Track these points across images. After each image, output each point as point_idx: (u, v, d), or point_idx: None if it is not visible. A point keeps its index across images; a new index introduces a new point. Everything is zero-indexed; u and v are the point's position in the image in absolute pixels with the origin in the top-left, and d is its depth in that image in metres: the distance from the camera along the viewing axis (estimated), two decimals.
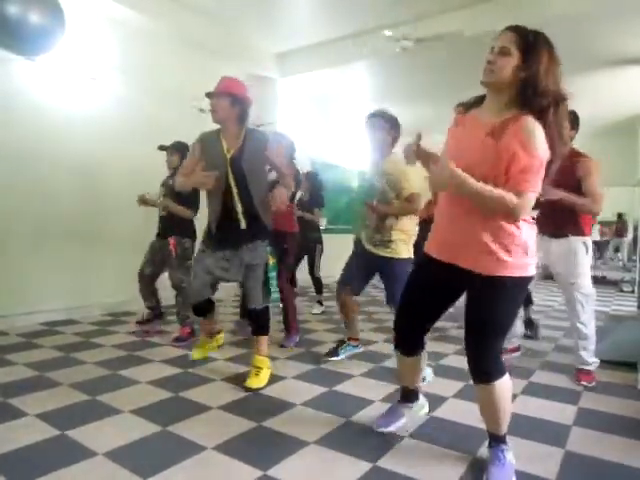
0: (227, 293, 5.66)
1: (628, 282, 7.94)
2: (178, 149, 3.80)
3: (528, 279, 1.73)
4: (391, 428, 2.13)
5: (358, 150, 7.99)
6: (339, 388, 2.75)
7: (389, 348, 3.55)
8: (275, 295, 2.86)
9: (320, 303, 5.29)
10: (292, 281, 5.31)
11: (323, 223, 5.56)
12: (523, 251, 1.67)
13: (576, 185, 2.82)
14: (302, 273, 5.47)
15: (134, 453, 1.93)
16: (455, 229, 1.74)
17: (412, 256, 3.00)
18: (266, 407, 2.44)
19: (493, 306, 1.70)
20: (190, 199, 3.65)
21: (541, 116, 1.55)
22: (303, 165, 7.00)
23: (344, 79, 6.72)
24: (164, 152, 3.89)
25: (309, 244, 5.12)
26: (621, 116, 8.74)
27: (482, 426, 2.15)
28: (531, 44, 1.55)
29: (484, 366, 1.75)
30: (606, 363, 3.28)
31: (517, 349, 3.41)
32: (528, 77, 1.55)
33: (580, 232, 2.92)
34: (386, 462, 1.90)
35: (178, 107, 5.18)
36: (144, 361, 3.20)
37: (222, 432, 2.12)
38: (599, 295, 7.03)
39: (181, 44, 5.39)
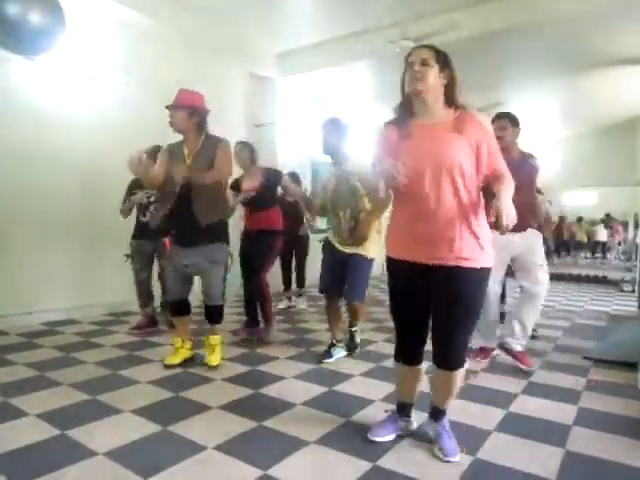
0: (227, 293, 5.65)
1: (628, 282, 7.93)
2: (155, 152, 3.83)
3: (490, 269, 1.88)
4: (384, 439, 2.07)
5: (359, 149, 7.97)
6: (339, 388, 2.75)
7: (389, 348, 3.54)
8: (224, 295, 3.12)
9: (298, 296, 5.45)
10: (290, 282, 5.35)
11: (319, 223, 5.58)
12: (489, 241, 1.84)
13: (531, 181, 3.19)
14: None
15: (134, 453, 1.94)
16: (427, 228, 1.80)
17: (380, 256, 3.18)
18: (266, 407, 2.44)
19: (468, 297, 1.82)
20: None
21: None
22: (303, 165, 7.03)
23: (344, 79, 6.72)
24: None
25: (300, 241, 5.24)
26: (620, 116, 8.75)
27: (482, 426, 2.16)
28: (444, 57, 1.84)
29: (454, 356, 1.88)
30: (607, 363, 3.28)
31: (491, 351, 3.33)
32: (452, 82, 1.84)
33: (535, 225, 3.25)
34: (386, 462, 1.90)
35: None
36: (144, 361, 3.21)
37: (222, 432, 2.12)
38: (600, 295, 7.07)
39: (182, 44, 5.39)
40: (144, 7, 4.69)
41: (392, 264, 1.97)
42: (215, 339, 3.11)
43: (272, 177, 3.80)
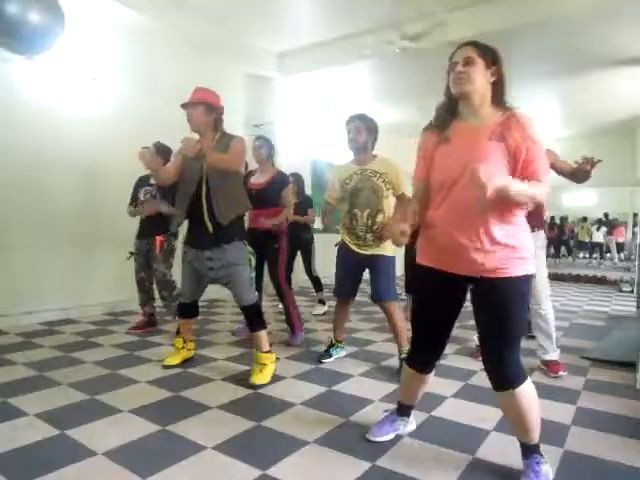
0: (228, 293, 5.65)
1: (627, 282, 7.94)
2: (161, 150, 3.89)
3: (532, 276, 1.76)
4: (382, 439, 2.06)
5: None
6: (338, 388, 2.75)
7: (388, 348, 3.55)
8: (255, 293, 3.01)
9: (322, 302, 5.27)
10: (316, 283, 5.32)
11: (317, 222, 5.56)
12: (528, 248, 1.72)
13: None
14: (299, 273, 5.48)
15: (133, 452, 1.94)
16: (459, 236, 1.69)
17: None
18: (266, 407, 2.44)
19: (510, 307, 1.69)
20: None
21: None
22: (303, 165, 7.04)
23: (344, 79, 6.72)
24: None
25: (303, 244, 5.12)
26: (620, 116, 8.75)
27: (482, 426, 2.16)
28: (492, 54, 1.74)
29: (509, 371, 1.71)
30: (605, 363, 3.29)
31: None
32: (497, 81, 1.73)
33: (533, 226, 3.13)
34: (385, 462, 1.90)
35: (179, 107, 5.16)
36: (144, 361, 3.21)
37: (222, 432, 2.12)
38: (599, 295, 7.08)
39: (182, 44, 5.39)
40: (144, 7, 4.69)
41: (422, 271, 1.86)
42: (265, 358, 2.85)
43: (280, 181, 3.74)
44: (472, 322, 4.23)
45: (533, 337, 3.94)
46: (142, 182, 4.05)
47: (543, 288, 3.05)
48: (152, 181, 3.94)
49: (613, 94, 7.40)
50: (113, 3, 4.44)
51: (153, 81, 5.12)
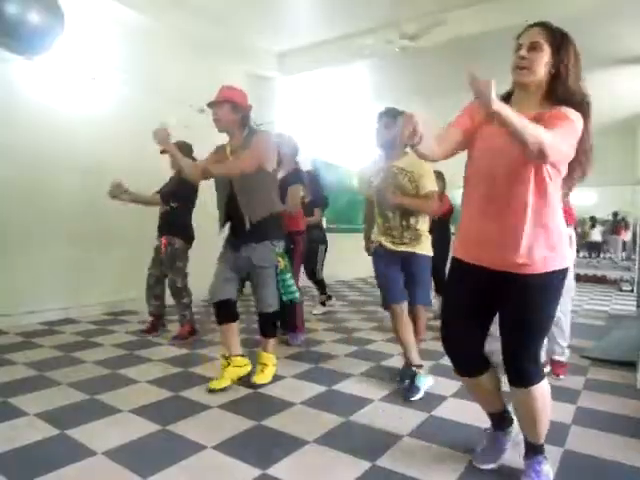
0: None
1: (627, 281, 7.94)
2: (180, 149, 3.78)
3: (567, 270, 1.67)
4: (496, 464, 1.86)
5: (359, 149, 7.98)
6: (338, 387, 2.75)
7: (388, 347, 3.55)
8: (294, 295, 2.86)
9: (323, 304, 5.24)
10: (321, 286, 5.25)
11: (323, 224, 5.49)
12: (563, 241, 1.62)
13: None
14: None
15: (134, 452, 1.94)
16: (493, 227, 1.61)
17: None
18: (266, 406, 2.44)
19: (538, 304, 1.61)
20: (183, 195, 3.67)
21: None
22: (303, 164, 7.03)
23: (344, 78, 6.72)
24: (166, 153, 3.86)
25: (312, 244, 5.04)
26: (621, 115, 8.74)
27: (482, 425, 2.15)
28: (560, 40, 1.55)
29: (526, 368, 1.65)
30: (605, 362, 3.29)
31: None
32: (559, 73, 1.54)
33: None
34: (385, 461, 1.90)
35: (179, 107, 5.17)
36: (144, 360, 3.21)
37: (222, 431, 2.12)
38: (599, 294, 7.07)
39: (181, 44, 5.39)
40: (144, 7, 4.69)
41: (455, 265, 1.78)
42: (267, 358, 2.81)
43: (289, 179, 3.70)
44: None
45: None
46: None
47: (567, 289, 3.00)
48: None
49: (614, 93, 7.39)
50: (113, 3, 4.44)
51: (153, 81, 5.12)
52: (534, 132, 1.36)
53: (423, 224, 2.85)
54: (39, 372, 2.90)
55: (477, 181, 1.67)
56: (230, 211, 2.73)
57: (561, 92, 1.55)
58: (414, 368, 2.71)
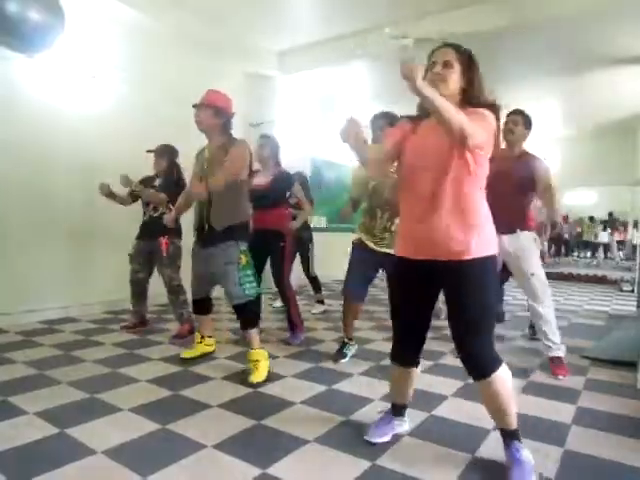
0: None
1: (628, 282, 7.94)
2: (165, 152, 3.90)
3: (495, 257, 1.81)
4: (381, 440, 2.05)
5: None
6: (338, 387, 2.75)
7: (388, 347, 3.54)
8: (252, 291, 2.93)
9: (321, 302, 5.26)
10: (315, 283, 5.26)
11: (322, 222, 5.51)
12: (487, 230, 1.77)
13: (527, 183, 3.10)
14: (298, 272, 5.46)
15: (133, 451, 1.93)
16: (426, 225, 1.76)
17: None
18: (265, 405, 2.44)
19: (477, 290, 1.74)
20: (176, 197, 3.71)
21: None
22: (303, 164, 7.03)
23: (345, 77, 6.72)
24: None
25: (302, 243, 5.07)
26: (621, 115, 8.74)
27: (482, 425, 2.16)
28: (467, 59, 1.78)
29: (481, 359, 1.76)
30: (606, 362, 3.29)
31: None
32: (469, 86, 1.76)
33: (527, 227, 3.15)
34: (385, 461, 1.90)
35: (179, 106, 5.16)
36: (143, 359, 3.21)
37: (221, 430, 2.12)
38: (600, 294, 7.08)
39: (182, 42, 5.39)
40: (144, 6, 4.69)
41: (396, 262, 1.95)
42: (257, 354, 2.87)
43: (283, 180, 3.73)
44: None
45: (537, 339, 3.94)
46: (146, 182, 3.95)
47: (542, 286, 3.06)
48: (157, 182, 3.90)
49: (614, 93, 7.40)
50: (113, 2, 4.44)
51: (153, 80, 5.12)
52: (457, 115, 1.54)
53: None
54: (39, 371, 2.90)
55: (408, 175, 1.83)
56: (200, 212, 2.94)
57: (474, 101, 1.76)
58: (346, 340, 3.32)
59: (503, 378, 1.76)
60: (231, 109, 2.95)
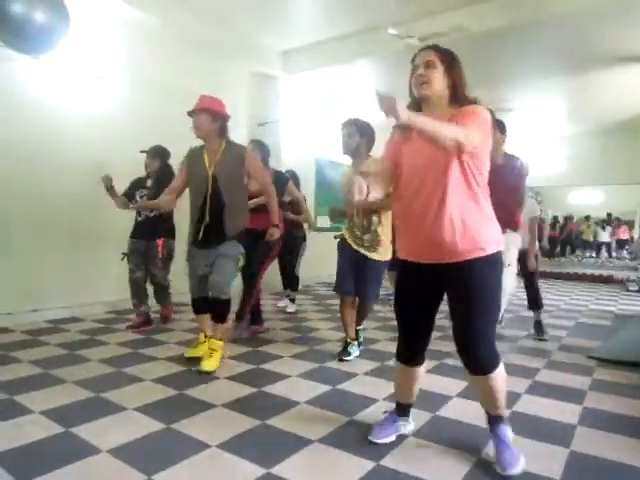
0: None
1: (634, 281, 7.89)
2: (158, 153, 4.00)
3: (500, 254, 1.82)
4: (385, 440, 2.05)
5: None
6: (343, 387, 2.75)
7: (392, 347, 3.53)
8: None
9: (292, 301, 5.17)
10: (294, 282, 5.25)
11: (327, 222, 5.46)
12: (491, 228, 1.79)
13: (513, 185, 3.33)
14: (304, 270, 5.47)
15: (138, 450, 1.94)
16: (428, 230, 1.77)
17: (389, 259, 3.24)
18: (270, 405, 2.44)
19: (477, 291, 1.75)
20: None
21: None
22: (307, 163, 7.03)
23: (348, 77, 6.71)
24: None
25: (294, 242, 5.06)
26: (626, 114, 8.69)
27: (486, 425, 2.14)
28: (450, 58, 1.80)
29: (482, 354, 1.78)
30: (612, 363, 3.27)
31: None
32: (455, 84, 1.79)
33: (516, 227, 3.46)
34: (389, 461, 1.89)
35: (183, 106, 5.16)
36: (148, 359, 3.21)
37: (226, 430, 2.13)
38: (605, 294, 7.04)
39: (186, 43, 5.39)
40: (148, 6, 4.69)
41: (401, 265, 1.97)
42: (215, 344, 3.03)
43: (277, 181, 3.75)
44: None
45: (545, 339, 3.93)
46: (137, 184, 4.10)
47: (510, 275, 3.38)
48: (148, 183, 3.99)
49: (620, 92, 7.35)
50: (118, 2, 4.44)
51: (157, 80, 5.13)
52: (448, 130, 1.56)
53: (385, 230, 3.15)
54: (44, 370, 2.91)
55: (408, 181, 1.83)
56: (202, 217, 2.97)
57: (460, 98, 1.79)
58: (348, 340, 3.33)
59: (501, 374, 1.82)
60: (225, 111, 3.02)
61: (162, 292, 4.19)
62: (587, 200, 16.75)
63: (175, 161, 3.84)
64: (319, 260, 5.23)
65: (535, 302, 4.09)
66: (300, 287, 5.44)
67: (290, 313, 4.99)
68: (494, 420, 1.90)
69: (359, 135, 3.15)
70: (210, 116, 2.92)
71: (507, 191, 3.16)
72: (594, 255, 16.40)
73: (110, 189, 3.88)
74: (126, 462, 1.83)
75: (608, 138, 9.86)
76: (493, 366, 1.79)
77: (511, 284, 3.55)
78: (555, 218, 16.51)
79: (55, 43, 3.72)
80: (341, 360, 3.23)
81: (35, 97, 4.24)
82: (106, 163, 4.65)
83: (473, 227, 1.73)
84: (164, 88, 5.15)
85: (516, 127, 8.63)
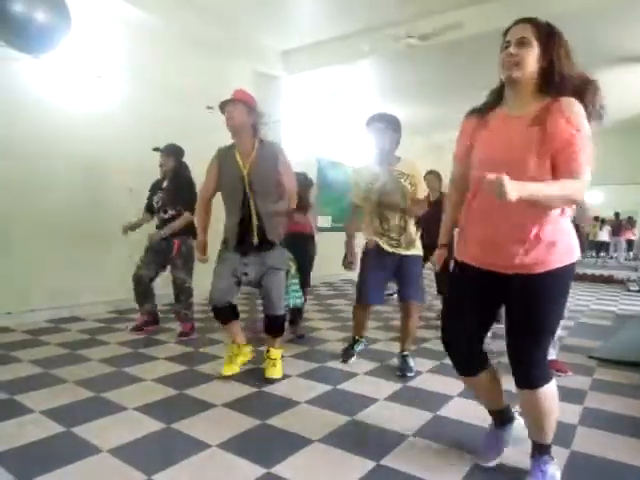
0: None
1: (635, 281, 7.88)
2: (172, 152, 3.80)
3: (574, 265, 1.63)
4: (496, 461, 1.88)
5: (363, 148, 7.97)
6: (343, 386, 2.75)
7: (393, 346, 3.54)
8: (298, 300, 2.99)
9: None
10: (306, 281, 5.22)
11: (328, 222, 5.46)
12: (566, 238, 1.60)
13: None
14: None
15: (139, 450, 1.94)
16: (493, 231, 1.62)
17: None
18: (270, 405, 2.44)
19: (542, 305, 1.60)
20: (188, 197, 3.66)
21: (579, 98, 1.52)
22: (309, 163, 7.03)
23: (350, 76, 6.70)
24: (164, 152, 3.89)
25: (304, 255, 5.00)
26: (626, 114, 8.67)
27: (487, 425, 2.14)
28: (547, 34, 1.55)
29: (533, 371, 1.64)
30: (612, 362, 3.26)
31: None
32: (551, 65, 1.53)
33: None
34: (390, 461, 1.89)
35: (184, 105, 5.18)
36: (149, 358, 3.21)
37: (226, 430, 2.13)
38: (606, 294, 7.03)
39: (187, 42, 5.39)
40: (150, 6, 4.69)
41: (458, 267, 1.80)
42: (276, 353, 2.88)
43: (302, 182, 3.71)
44: None
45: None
46: (155, 188, 3.91)
47: None
48: (164, 185, 3.83)
49: (623, 91, 7.33)
50: (119, 2, 4.44)
51: (158, 80, 5.13)
52: (562, 193, 1.44)
53: (412, 226, 3.05)
54: (45, 370, 2.91)
55: (479, 179, 1.63)
56: (242, 220, 2.74)
57: (558, 81, 1.53)
58: (357, 337, 3.30)
59: (549, 394, 1.66)
60: (259, 109, 2.83)
61: (184, 296, 3.81)
62: (588, 200, 16.73)
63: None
64: (319, 260, 5.21)
65: None
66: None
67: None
68: (537, 449, 1.73)
69: (392, 130, 2.95)
70: (246, 107, 2.70)
71: None
72: (594, 255, 16.35)
73: (132, 229, 3.86)
74: (126, 462, 1.83)
75: (608, 138, 9.81)
76: (541, 381, 1.64)
77: None
78: None
79: (56, 43, 3.72)
80: (345, 362, 3.17)
81: (36, 97, 4.25)
82: (107, 163, 4.67)
83: (543, 236, 1.56)
84: (165, 88, 5.15)
85: None
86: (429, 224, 3.37)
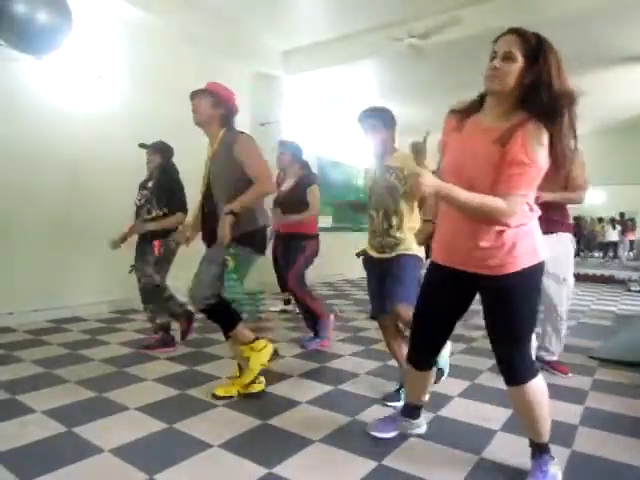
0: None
1: (636, 281, 7.88)
2: (159, 149, 3.63)
3: (542, 264, 1.67)
4: (383, 435, 2.06)
5: (364, 148, 7.98)
6: (344, 387, 2.75)
7: None
8: (234, 297, 2.58)
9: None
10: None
11: (328, 222, 5.47)
12: (529, 238, 1.64)
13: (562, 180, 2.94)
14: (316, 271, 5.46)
15: (140, 450, 1.94)
16: (456, 232, 1.69)
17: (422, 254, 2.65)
18: (271, 405, 2.44)
19: (513, 306, 1.66)
20: (179, 197, 3.54)
21: (553, 118, 1.49)
22: (310, 164, 7.02)
23: (350, 77, 6.71)
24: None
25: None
26: (627, 113, 8.68)
27: (488, 426, 2.15)
28: (536, 47, 1.51)
29: (517, 368, 1.69)
30: (613, 363, 3.26)
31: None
32: (537, 81, 1.50)
33: (568, 228, 3.00)
34: (391, 461, 1.89)
35: (184, 106, 5.16)
36: (151, 358, 3.22)
37: (228, 430, 2.13)
38: (606, 294, 7.03)
39: (187, 42, 5.40)
40: (150, 6, 4.69)
41: (431, 266, 1.87)
42: (244, 350, 2.57)
43: (304, 182, 3.72)
44: (474, 321, 4.19)
45: None
46: (141, 187, 3.69)
47: (567, 289, 2.99)
48: (150, 184, 3.61)
49: (621, 92, 7.34)
50: (120, 2, 4.45)
51: (158, 80, 5.14)
52: (480, 208, 1.50)
53: (409, 222, 2.57)
54: (47, 370, 2.92)
55: (447, 178, 1.67)
56: (202, 211, 2.61)
57: (543, 98, 1.50)
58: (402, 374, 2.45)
59: (536, 388, 1.69)
60: (233, 101, 2.62)
61: (154, 295, 3.50)
62: (590, 200, 16.70)
63: (177, 159, 3.82)
64: (319, 260, 5.22)
65: None
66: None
67: (289, 312, 5.00)
68: (536, 449, 1.75)
69: (385, 128, 2.63)
70: (211, 99, 2.53)
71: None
72: (602, 256, 16.31)
73: (123, 241, 3.62)
74: (128, 462, 1.84)
75: (609, 138, 9.84)
76: (526, 377, 1.68)
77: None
78: None
79: (58, 43, 3.72)
80: (385, 405, 2.50)
81: (37, 97, 4.25)
82: (107, 163, 4.67)
83: (502, 241, 1.62)
84: (165, 88, 5.15)
85: None
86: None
